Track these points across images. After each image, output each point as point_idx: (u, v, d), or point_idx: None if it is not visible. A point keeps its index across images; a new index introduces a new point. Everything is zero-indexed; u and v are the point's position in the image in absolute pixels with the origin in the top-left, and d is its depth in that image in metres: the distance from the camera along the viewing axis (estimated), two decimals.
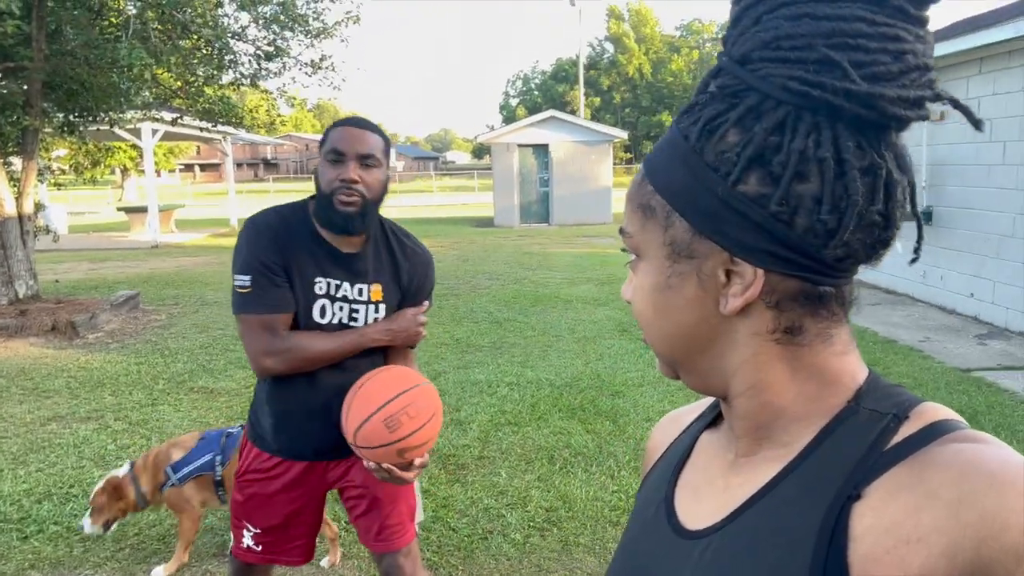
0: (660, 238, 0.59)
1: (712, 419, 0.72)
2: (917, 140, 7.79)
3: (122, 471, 2.96)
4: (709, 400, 0.75)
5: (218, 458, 2.95)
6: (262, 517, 1.97)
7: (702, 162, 0.56)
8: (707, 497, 0.64)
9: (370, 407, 1.65)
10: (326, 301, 1.83)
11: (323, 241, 1.83)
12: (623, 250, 0.65)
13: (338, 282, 1.85)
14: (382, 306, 1.91)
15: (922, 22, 0.54)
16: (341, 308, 1.86)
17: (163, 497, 2.97)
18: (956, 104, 0.57)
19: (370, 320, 1.89)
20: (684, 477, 0.69)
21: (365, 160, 1.77)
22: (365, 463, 1.68)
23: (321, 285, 1.83)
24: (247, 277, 1.77)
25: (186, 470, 2.93)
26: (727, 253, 0.56)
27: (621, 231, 0.64)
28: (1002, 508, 0.46)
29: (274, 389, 1.90)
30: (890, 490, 0.51)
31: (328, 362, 1.82)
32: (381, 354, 1.94)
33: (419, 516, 2.13)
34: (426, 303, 1.99)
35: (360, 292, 1.87)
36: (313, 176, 1.85)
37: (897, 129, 0.55)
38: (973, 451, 0.50)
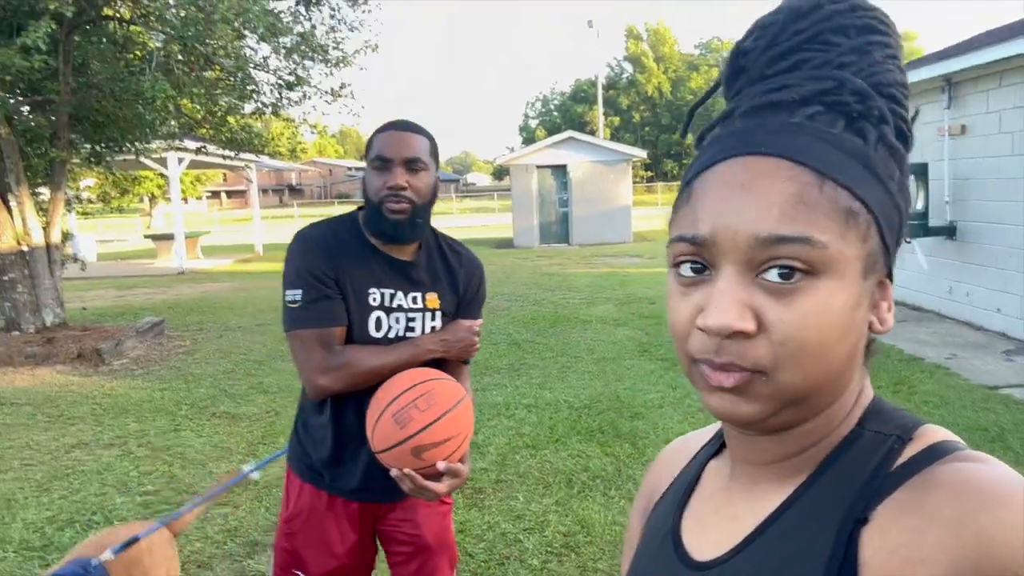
0: (859, 250, 0.53)
1: (717, 447, 0.72)
2: (939, 155, 7.71)
3: None
4: (716, 426, 0.74)
5: None
6: (318, 563, 1.80)
7: (879, 171, 0.55)
8: (714, 527, 0.64)
9: (381, 405, 1.55)
10: (381, 313, 1.73)
11: (376, 250, 1.75)
12: (795, 270, 0.51)
13: (392, 291, 1.75)
14: (438, 314, 1.80)
15: None
16: (397, 320, 1.75)
17: None
18: None
19: (427, 329, 1.78)
20: (691, 507, 0.69)
21: (411, 164, 1.68)
22: (392, 473, 1.53)
23: (375, 296, 1.73)
24: (298, 291, 1.68)
25: None
26: (887, 269, 0.57)
27: (796, 239, 0.51)
28: (998, 526, 0.46)
29: (331, 412, 1.76)
30: (895, 512, 0.51)
31: (384, 377, 1.66)
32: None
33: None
34: (481, 320, 1.89)
35: (415, 300, 1.77)
36: (361, 184, 1.78)
37: None
38: (972, 470, 0.51)
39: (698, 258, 0.55)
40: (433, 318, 1.79)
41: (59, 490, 4.13)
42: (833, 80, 0.54)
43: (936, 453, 0.54)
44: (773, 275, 0.52)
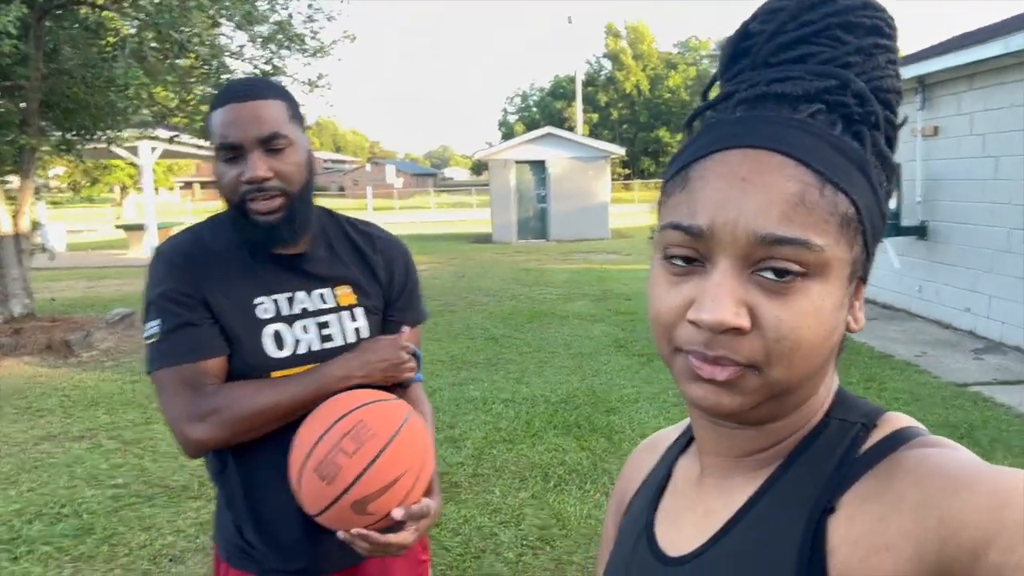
0: (849, 254, 0.54)
1: (686, 443, 0.72)
2: (911, 155, 7.83)
3: None
4: (684, 423, 0.75)
5: None
6: None
7: (874, 179, 0.55)
8: (687, 523, 0.64)
9: (300, 457, 1.19)
10: (280, 326, 1.34)
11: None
12: (790, 273, 0.52)
13: (289, 295, 1.36)
14: (360, 311, 1.41)
15: None
16: (306, 328, 1.36)
17: None
18: None
19: (349, 332, 1.39)
20: (663, 504, 0.69)
21: (270, 144, 1.27)
22: (339, 535, 1.20)
23: (266, 306, 1.34)
24: (154, 323, 1.29)
25: None
26: (867, 269, 0.58)
27: (794, 241, 0.51)
28: (959, 509, 0.46)
29: (237, 472, 1.36)
30: (860, 500, 0.52)
31: (286, 418, 1.29)
32: None
33: None
34: (406, 329, 1.45)
35: (323, 299, 1.39)
36: (216, 181, 1.35)
37: None
38: (935, 456, 0.51)
39: (692, 249, 0.54)
40: (353, 318, 1.40)
41: (27, 483, 4.06)
42: (837, 79, 0.54)
43: (899, 439, 0.54)
44: (769, 273, 0.52)
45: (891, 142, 0.58)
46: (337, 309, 1.39)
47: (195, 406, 1.25)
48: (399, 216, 33.20)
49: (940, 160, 7.59)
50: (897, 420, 0.57)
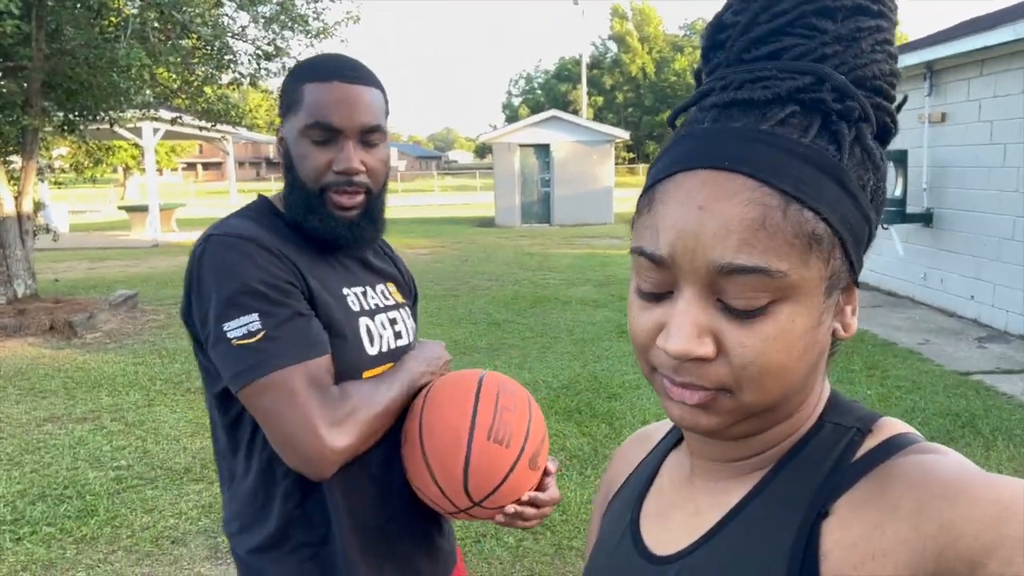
0: (821, 272, 0.51)
1: (678, 439, 0.71)
2: (918, 142, 7.77)
3: None
4: None
5: None
6: None
7: (851, 185, 0.52)
8: (675, 521, 0.63)
9: (460, 435, 1.11)
10: (367, 320, 1.21)
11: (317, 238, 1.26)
12: (754, 311, 0.50)
13: (362, 288, 1.24)
14: (408, 311, 1.33)
15: None
16: (384, 325, 1.23)
17: None
18: None
19: (411, 332, 1.29)
20: (650, 501, 0.68)
21: (368, 137, 1.16)
22: (501, 516, 1.15)
23: (351, 298, 1.21)
24: (250, 316, 1.06)
25: None
26: (853, 276, 0.55)
27: (753, 270, 0.49)
28: (957, 516, 0.46)
29: (341, 485, 1.15)
30: (855, 504, 0.51)
31: (395, 419, 1.17)
32: None
33: None
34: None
35: (385, 295, 1.29)
36: (281, 156, 1.21)
37: None
38: (931, 462, 0.51)
39: (659, 277, 0.53)
40: (410, 315, 1.32)
41: (30, 464, 4.08)
42: (813, 75, 0.51)
43: (895, 446, 0.54)
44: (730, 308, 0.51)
45: (886, 129, 0.55)
46: (397, 306, 1.30)
47: (332, 409, 1.07)
48: (402, 199, 33.13)
49: (947, 147, 7.54)
50: (892, 426, 0.56)
